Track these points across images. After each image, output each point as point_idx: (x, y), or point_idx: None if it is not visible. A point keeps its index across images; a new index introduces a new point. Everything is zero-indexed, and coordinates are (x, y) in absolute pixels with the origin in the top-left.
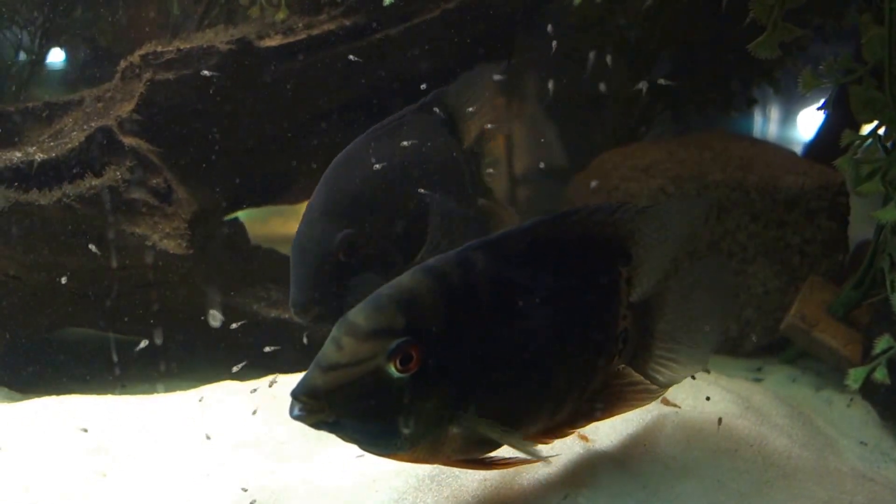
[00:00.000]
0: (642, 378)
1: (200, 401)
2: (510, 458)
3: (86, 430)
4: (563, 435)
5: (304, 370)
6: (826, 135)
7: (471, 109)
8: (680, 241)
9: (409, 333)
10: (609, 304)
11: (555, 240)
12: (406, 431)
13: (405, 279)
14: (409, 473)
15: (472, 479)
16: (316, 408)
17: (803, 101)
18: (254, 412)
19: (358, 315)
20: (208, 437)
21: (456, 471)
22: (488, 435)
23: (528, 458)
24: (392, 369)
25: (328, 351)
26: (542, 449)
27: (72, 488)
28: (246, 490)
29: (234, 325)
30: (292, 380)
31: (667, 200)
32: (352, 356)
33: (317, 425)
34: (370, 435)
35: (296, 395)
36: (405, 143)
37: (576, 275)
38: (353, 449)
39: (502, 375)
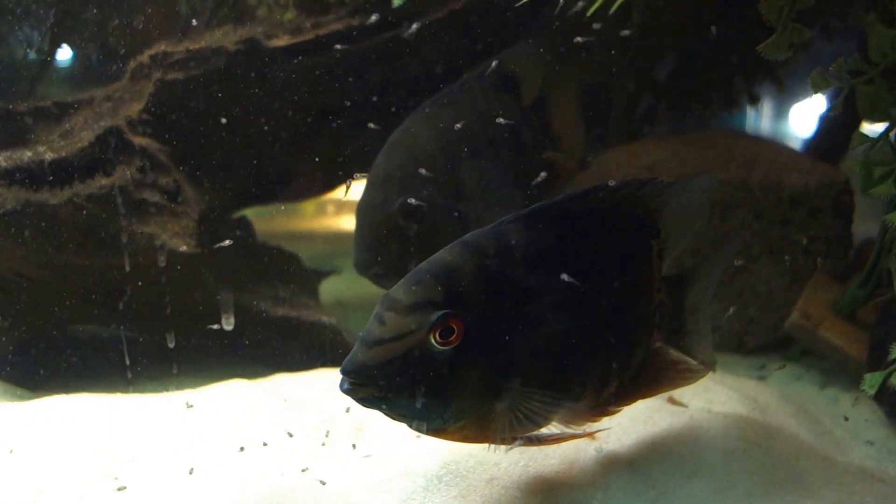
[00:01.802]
0: (683, 357)
1: (207, 400)
2: (557, 434)
3: (94, 430)
4: (609, 414)
5: (311, 369)
6: (827, 132)
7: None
8: (697, 216)
9: (450, 306)
10: (644, 276)
11: (586, 213)
12: (452, 405)
13: (444, 254)
14: (416, 474)
15: (480, 480)
16: (363, 382)
17: (796, 96)
18: (261, 412)
19: (398, 290)
20: (215, 437)
21: (463, 471)
22: (534, 405)
23: (574, 433)
24: (434, 342)
25: (372, 327)
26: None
27: (80, 490)
28: (252, 491)
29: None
30: (299, 379)
31: (688, 176)
32: (395, 331)
33: (365, 401)
34: (417, 410)
35: (344, 371)
36: (463, 111)
37: (609, 247)
38: (360, 449)
39: (544, 348)
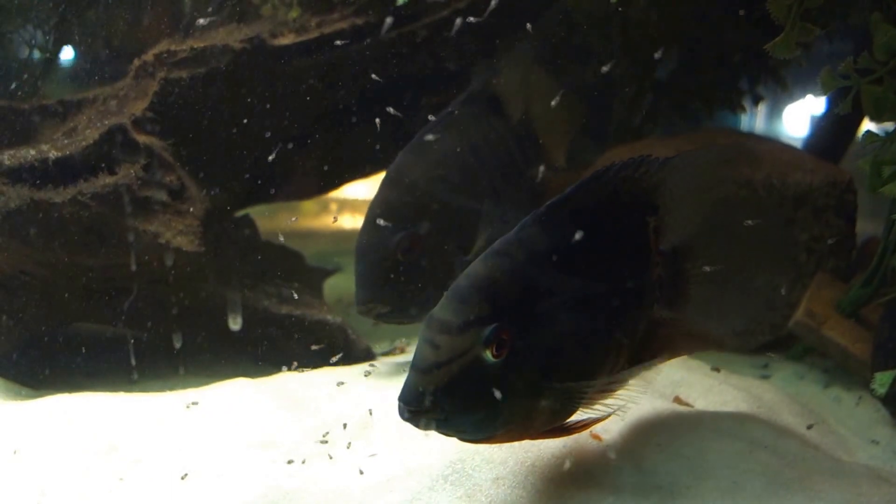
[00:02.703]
0: (690, 327)
1: (211, 399)
2: (586, 420)
3: (98, 430)
4: (621, 386)
5: (315, 367)
6: (821, 132)
7: (516, 88)
8: (707, 189)
9: (496, 318)
10: (641, 253)
11: (591, 201)
12: (503, 413)
13: (478, 267)
14: (422, 473)
15: (486, 479)
16: (424, 409)
17: (789, 96)
18: (265, 412)
19: (444, 311)
20: (218, 437)
21: (468, 470)
22: (572, 397)
23: (600, 416)
24: (489, 356)
25: (425, 352)
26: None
27: (86, 490)
28: (259, 491)
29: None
30: (303, 378)
31: (689, 151)
32: (449, 352)
33: (427, 425)
34: (474, 423)
35: (405, 400)
36: (455, 140)
37: (612, 231)
38: (365, 448)
39: (574, 338)
